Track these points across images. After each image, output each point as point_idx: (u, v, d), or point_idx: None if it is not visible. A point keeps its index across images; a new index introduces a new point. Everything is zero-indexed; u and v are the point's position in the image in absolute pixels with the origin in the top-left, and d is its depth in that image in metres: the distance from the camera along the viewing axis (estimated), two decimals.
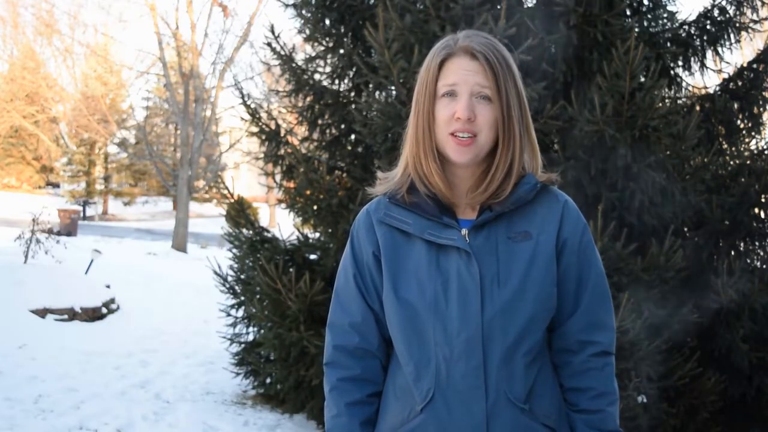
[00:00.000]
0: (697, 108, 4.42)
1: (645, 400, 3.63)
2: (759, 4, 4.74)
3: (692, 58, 4.75)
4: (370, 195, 1.48)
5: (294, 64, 5.04)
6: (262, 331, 4.84)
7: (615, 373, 1.41)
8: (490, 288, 1.31)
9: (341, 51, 4.95)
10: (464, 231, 1.34)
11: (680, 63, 4.74)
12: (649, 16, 4.62)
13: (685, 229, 4.25)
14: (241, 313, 5.27)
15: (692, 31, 4.71)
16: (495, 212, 1.34)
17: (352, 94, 5.01)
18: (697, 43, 4.72)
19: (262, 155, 5.39)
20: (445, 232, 1.34)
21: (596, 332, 1.37)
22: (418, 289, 1.33)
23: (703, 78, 4.87)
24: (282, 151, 5.03)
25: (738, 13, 4.71)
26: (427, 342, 1.32)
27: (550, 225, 1.36)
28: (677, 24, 4.69)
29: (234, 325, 5.28)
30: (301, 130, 5.38)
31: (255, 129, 5.12)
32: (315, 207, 4.53)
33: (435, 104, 1.34)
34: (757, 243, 4.36)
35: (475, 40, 1.34)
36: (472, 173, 1.36)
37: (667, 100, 4.40)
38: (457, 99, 1.31)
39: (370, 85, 4.58)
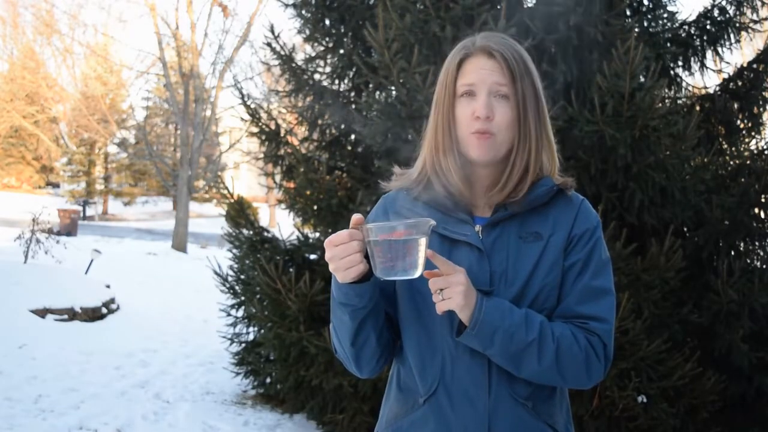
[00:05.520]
0: (697, 108, 4.42)
1: (645, 400, 3.63)
2: (759, 4, 4.74)
3: (692, 58, 4.75)
4: (385, 189, 1.49)
5: (294, 64, 5.04)
6: (262, 331, 4.84)
7: (608, 370, 1.33)
8: (498, 286, 1.31)
9: (341, 51, 4.95)
10: (478, 227, 1.35)
11: (680, 63, 4.74)
12: (649, 16, 4.62)
13: (685, 229, 4.25)
14: (241, 313, 5.27)
15: (692, 31, 4.71)
16: (509, 211, 1.34)
17: (352, 94, 5.01)
18: (697, 43, 4.72)
19: (262, 155, 5.39)
20: (460, 227, 1.34)
21: (588, 321, 1.31)
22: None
23: (703, 78, 4.88)
24: (282, 151, 5.03)
25: (738, 13, 4.71)
26: (434, 335, 1.33)
27: (563, 226, 1.35)
28: (677, 24, 4.69)
29: (234, 325, 5.28)
30: (301, 130, 5.38)
31: (255, 129, 5.12)
32: (315, 207, 4.54)
33: (455, 104, 1.35)
34: (757, 243, 4.36)
35: (492, 40, 1.35)
36: (491, 172, 1.36)
37: (667, 100, 4.40)
38: (476, 98, 1.32)
39: (370, 85, 4.58)
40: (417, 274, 1.21)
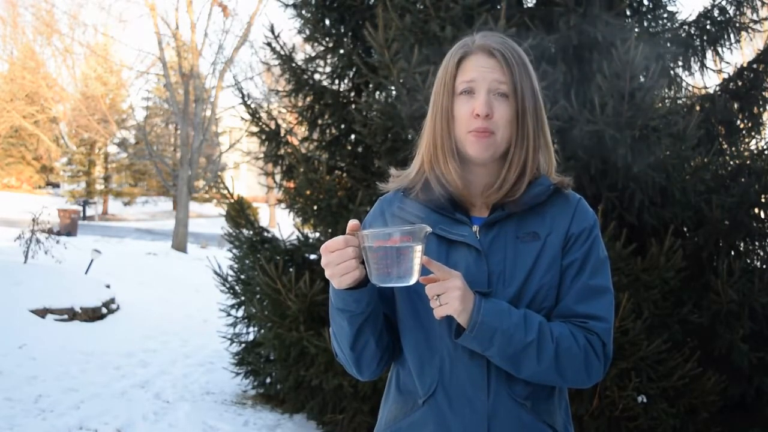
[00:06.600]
0: (697, 108, 4.42)
1: (645, 400, 3.63)
2: (759, 4, 4.74)
3: (692, 58, 4.75)
4: (382, 191, 1.49)
5: (294, 64, 5.04)
6: (262, 331, 4.84)
7: (607, 369, 1.33)
8: (496, 286, 1.31)
9: (341, 51, 4.95)
10: (475, 228, 1.35)
11: (680, 63, 4.74)
12: (649, 16, 4.62)
13: (685, 229, 4.25)
14: (241, 313, 5.27)
15: (692, 31, 4.71)
16: (506, 211, 1.34)
17: (352, 94, 5.02)
18: (697, 43, 4.72)
19: (262, 155, 5.39)
20: (457, 228, 1.34)
21: (587, 321, 1.31)
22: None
23: (703, 78, 4.89)
24: (282, 151, 5.03)
25: (738, 13, 4.72)
26: (433, 337, 1.33)
27: (560, 225, 1.35)
28: (677, 24, 4.69)
29: (234, 325, 5.29)
30: (301, 130, 5.38)
31: (255, 129, 5.12)
32: (315, 207, 4.53)
33: (453, 102, 1.35)
34: (757, 243, 4.36)
35: (492, 39, 1.35)
36: (488, 171, 1.36)
37: (667, 100, 4.40)
38: (475, 96, 1.32)
39: (370, 85, 4.58)
40: (413, 280, 1.21)
